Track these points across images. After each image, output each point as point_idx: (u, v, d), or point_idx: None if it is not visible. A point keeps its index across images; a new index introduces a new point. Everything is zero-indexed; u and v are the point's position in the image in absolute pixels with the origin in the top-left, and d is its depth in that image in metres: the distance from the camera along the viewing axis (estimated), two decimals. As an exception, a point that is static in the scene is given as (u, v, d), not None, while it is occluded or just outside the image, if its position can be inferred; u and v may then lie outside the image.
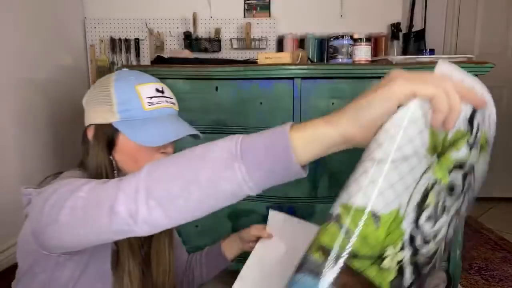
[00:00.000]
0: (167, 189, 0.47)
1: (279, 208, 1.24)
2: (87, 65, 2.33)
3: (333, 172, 1.22)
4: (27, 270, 0.66)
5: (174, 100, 0.78)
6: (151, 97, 0.73)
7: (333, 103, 1.19)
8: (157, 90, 0.75)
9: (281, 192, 1.23)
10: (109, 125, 0.71)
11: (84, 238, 0.54)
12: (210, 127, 1.24)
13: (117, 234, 0.51)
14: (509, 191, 2.74)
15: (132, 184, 0.49)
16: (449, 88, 0.40)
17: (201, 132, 1.25)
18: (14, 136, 1.68)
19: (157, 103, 0.73)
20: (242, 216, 1.28)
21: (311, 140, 0.45)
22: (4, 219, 1.56)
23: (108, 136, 0.72)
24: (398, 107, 0.40)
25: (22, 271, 0.67)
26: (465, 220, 1.28)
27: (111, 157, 0.73)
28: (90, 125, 0.74)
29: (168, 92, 0.78)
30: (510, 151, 2.69)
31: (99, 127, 0.72)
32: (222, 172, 0.45)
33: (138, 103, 0.71)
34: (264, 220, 1.25)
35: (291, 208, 1.24)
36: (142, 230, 0.49)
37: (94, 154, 0.72)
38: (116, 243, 0.72)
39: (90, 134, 0.74)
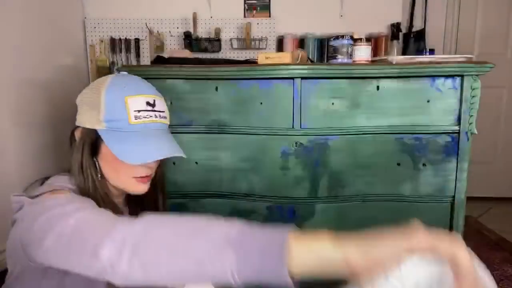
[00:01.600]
0: (155, 254, 0.47)
1: (279, 208, 1.24)
2: (87, 65, 2.33)
3: (333, 172, 1.22)
4: (16, 276, 0.66)
5: (165, 114, 0.76)
6: (139, 111, 0.70)
7: (333, 103, 1.19)
8: (148, 103, 0.72)
9: (281, 192, 1.23)
10: (95, 131, 0.70)
11: (67, 265, 0.54)
12: (210, 127, 1.24)
13: (96, 274, 0.51)
14: (509, 191, 2.74)
15: (122, 233, 0.49)
16: (465, 255, 0.42)
17: (201, 132, 1.24)
18: (14, 136, 1.68)
19: (144, 117, 0.71)
20: (242, 216, 1.27)
21: (311, 255, 0.45)
22: (3, 220, 1.56)
23: (92, 141, 0.71)
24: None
25: (11, 277, 0.67)
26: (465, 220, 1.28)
27: (95, 161, 0.72)
28: (78, 126, 0.73)
29: (160, 106, 0.75)
30: (510, 152, 2.69)
31: (85, 131, 0.72)
32: (213, 256, 0.46)
33: (125, 115, 0.69)
34: (264, 220, 1.26)
35: (291, 208, 1.24)
36: (116, 280, 0.49)
37: (78, 157, 0.72)
38: None
39: (77, 135, 0.73)
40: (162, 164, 0.81)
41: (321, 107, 1.19)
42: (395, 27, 2.35)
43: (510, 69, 2.62)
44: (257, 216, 1.26)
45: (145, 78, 1.21)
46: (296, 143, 1.20)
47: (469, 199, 1.28)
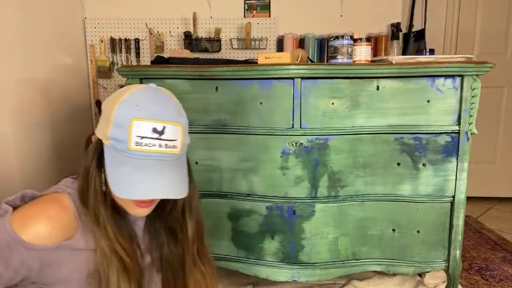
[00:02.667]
0: None
1: (279, 208, 1.25)
2: (87, 65, 2.33)
3: (333, 172, 1.22)
4: None
5: (177, 143, 0.68)
6: (141, 137, 0.65)
7: (333, 103, 1.19)
8: (155, 131, 0.65)
9: (281, 192, 1.23)
10: (103, 143, 0.69)
11: None
12: (210, 127, 1.24)
13: None
14: (509, 191, 2.73)
15: None
16: None
17: (201, 132, 1.24)
18: (13, 136, 1.68)
19: (145, 144, 0.65)
20: (242, 216, 1.28)
21: None
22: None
23: (101, 152, 0.69)
24: None
25: None
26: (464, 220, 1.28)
27: (103, 172, 0.69)
28: (94, 133, 0.71)
29: (171, 134, 0.67)
30: (510, 151, 2.69)
31: (99, 139, 0.70)
32: None
33: (126, 138, 0.64)
34: (264, 220, 1.26)
35: (290, 208, 1.24)
36: None
37: (86, 164, 0.70)
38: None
39: (93, 140, 0.72)
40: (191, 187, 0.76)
41: (321, 107, 1.19)
42: (395, 27, 2.35)
43: (510, 69, 2.62)
44: (257, 216, 1.26)
45: (145, 78, 1.24)
46: (295, 143, 1.20)
47: (469, 199, 1.28)
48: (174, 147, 0.68)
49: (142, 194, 0.65)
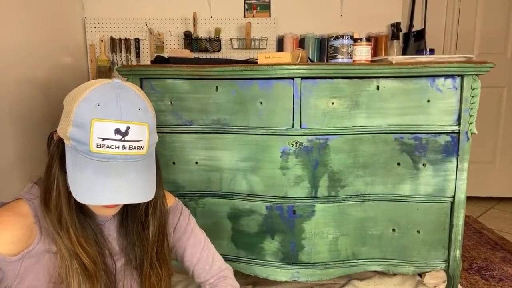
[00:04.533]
0: None
1: (279, 207, 1.25)
2: (87, 65, 2.33)
3: (333, 172, 1.22)
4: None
5: (141, 143, 0.64)
6: (103, 138, 0.60)
7: (333, 103, 1.19)
8: (118, 132, 0.61)
9: (281, 192, 1.23)
10: (64, 143, 0.65)
11: None
12: (210, 127, 1.24)
13: None
14: (509, 191, 2.74)
15: None
16: None
17: (201, 132, 1.24)
18: (13, 135, 1.68)
19: (108, 146, 0.61)
20: (242, 216, 1.28)
21: None
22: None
23: (62, 152, 0.65)
24: None
25: None
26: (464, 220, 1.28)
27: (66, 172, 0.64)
28: (56, 131, 0.67)
29: (136, 135, 0.63)
30: (510, 152, 2.69)
31: (60, 139, 0.66)
32: None
33: (87, 140, 0.60)
34: (264, 220, 1.26)
35: (290, 208, 1.24)
36: None
37: (48, 164, 0.67)
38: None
39: (55, 138, 0.68)
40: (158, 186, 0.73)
41: (321, 107, 1.19)
42: (395, 27, 2.35)
43: (510, 69, 2.62)
44: (257, 216, 1.26)
45: (145, 78, 1.24)
46: (296, 143, 1.20)
47: (469, 199, 1.28)
48: (139, 148, 0.64)
49: (101, 199, 0.61)
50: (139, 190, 0.64)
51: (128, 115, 0.63)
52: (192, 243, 0.90)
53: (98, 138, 0.60)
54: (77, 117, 0.61)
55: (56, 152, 0.66)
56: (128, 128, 0.62)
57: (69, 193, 0.65)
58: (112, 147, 0.61)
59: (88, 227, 0.71)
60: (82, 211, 0.70)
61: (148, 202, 0.74)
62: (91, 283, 0.67)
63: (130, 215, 0.79)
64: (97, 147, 0.60)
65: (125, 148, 0.62)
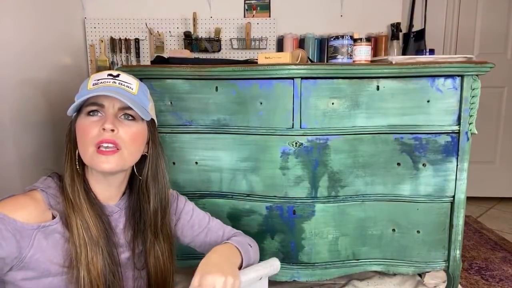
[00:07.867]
0: None
1: (279, 208, 1.25)
2: (87, 65, 2.33)
3: (333, 172, 1.22)
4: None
5: (131, 86, 0.77)
6: (98, 79, 0.74)
7: (333, 103, 1.19)
8: (110, 75, 0.75)
9: (281, 192, 1.23)
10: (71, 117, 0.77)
11: None
12: (210, 127, 1.24)
13: None
14: (509, 191, 2.74)
15: None
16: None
17: (201, 132, 1.24)
18: (13, 135, 1.68)
19: (101, 82, 0.74)
20: (242, 216, 1.28)
21: None
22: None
23: (73, 129, 0.76)
24: None
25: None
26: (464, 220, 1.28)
27: (78, 153, 0.75)
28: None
29: (125, 77, 0.77)
30: (510, 151, 2.69)
31: (71, 122, 0.78)
32: None
33: (85, 85, 0.74)
34: (264, 220, 1.26)
35: (290, 208, 1.24)
36: None
37: (65, 150, 0.78)
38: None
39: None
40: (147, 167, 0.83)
41: (321, 107, 1.19)
42: (395, 27, 2.35)
43: (510, 69, 2.62)
44: (257, 216, 1.26)
45: (145, 78, 1.24)
46: (296, 143, 1.20)
47: (469, 199, 1.28)
48: (130, 87, 0.76)
49: (92, 94, 0.71)
50: (127, 97, 0.73)
51: (122, 72, 0.78)
52: (198, 219, 0.96)
53: (94, 80, 0.74)
54: (81, 86, 0.77)
55: (69, 135, 0.78)
56: (119, 74, 0.76)
57: (81, 174, 0.76)
58: (105, 82, 0.74)
59: (97, 215, 0.76)
60: (92, 200, 0.76)
61: (148, 170, 0.83)
62: (97, 271, 0.71)
63: (139, 210, 0.83)
64: (92, 85, 0.74)
65: (115, 82, 0.74)
